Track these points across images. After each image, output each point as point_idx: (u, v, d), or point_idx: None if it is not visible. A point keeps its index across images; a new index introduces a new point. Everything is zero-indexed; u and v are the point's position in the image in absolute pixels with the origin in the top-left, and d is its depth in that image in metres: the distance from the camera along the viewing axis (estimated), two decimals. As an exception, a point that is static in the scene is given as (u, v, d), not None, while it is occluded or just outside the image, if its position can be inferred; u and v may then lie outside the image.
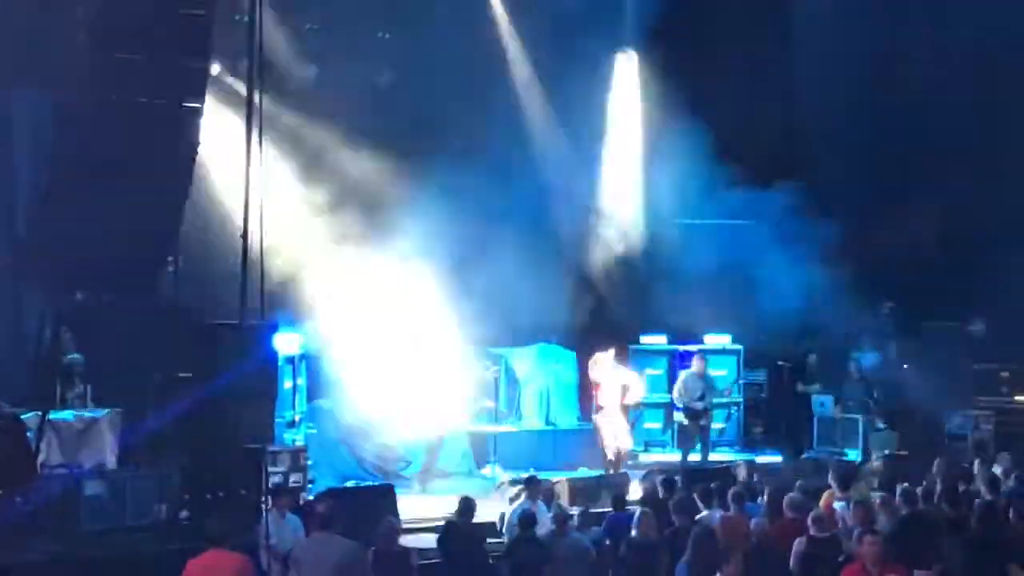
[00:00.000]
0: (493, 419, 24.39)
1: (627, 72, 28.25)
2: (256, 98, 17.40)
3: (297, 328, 21.91)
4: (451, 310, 23.16)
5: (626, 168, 28.09)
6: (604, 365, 23.44)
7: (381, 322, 22.59)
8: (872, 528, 14.87)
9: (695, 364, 24.74)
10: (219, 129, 21.08)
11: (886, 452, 24.30)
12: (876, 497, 17.30)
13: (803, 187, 26.75)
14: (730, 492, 16.58)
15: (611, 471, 22.61)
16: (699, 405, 24.27)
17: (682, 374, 25.04)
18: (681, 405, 24.56)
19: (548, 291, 24.53)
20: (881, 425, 25.54)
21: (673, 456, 25.54)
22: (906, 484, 16.82)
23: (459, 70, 24.78)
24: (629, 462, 23.95)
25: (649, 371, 26.67)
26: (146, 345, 19.61)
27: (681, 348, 26.86)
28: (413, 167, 24.01)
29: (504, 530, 17.41)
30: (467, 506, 16.51)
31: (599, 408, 23.40)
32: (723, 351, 26.54)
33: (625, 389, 23.54)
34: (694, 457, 24.36)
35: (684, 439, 24.90)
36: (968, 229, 28.16)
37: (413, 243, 22.92)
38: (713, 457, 24.80)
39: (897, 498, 16.28)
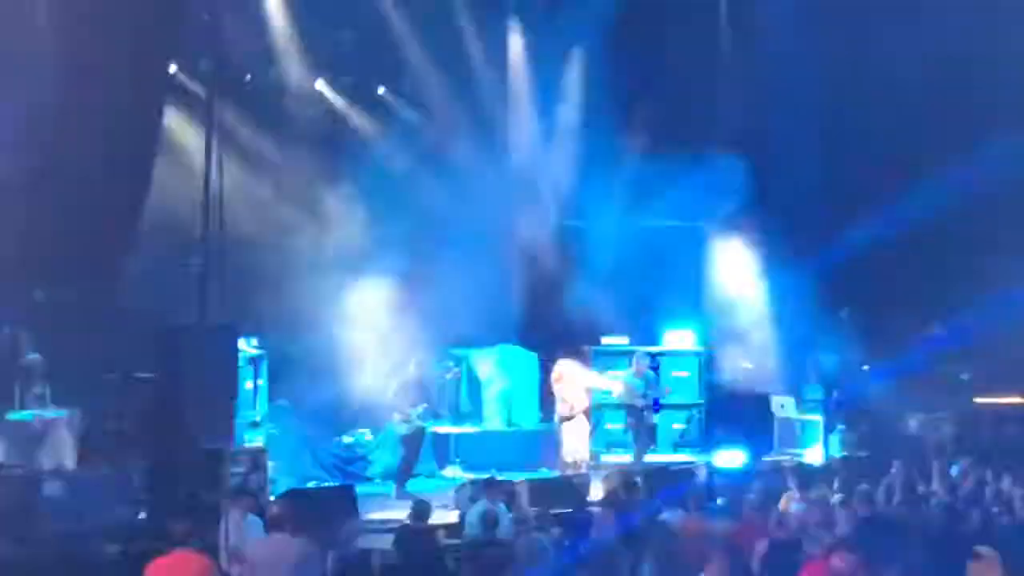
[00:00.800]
0: (455, 420, 24.40)
1: (578, 71, 28.21)
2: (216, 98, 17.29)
3: (258, 329, 21.86)
4: (411, 310, 23.13)
5: (577, 169, 28.01)
6: (566, 374, 23.44)
7: (340, 321, 22.55)
8: (834, 530, 14.98)
9: (634, 365, 24.74)
10: (180, 129, 21.03)
11: (846, 454, 24.41)
12: (835, 498, 17.39)
13: (764, 188, 26.85)
14: (690, 494, 16.58)
15: (568, 472, 22.64)
16: (640, 403, 24.34)
17: (620, 375, 25.07)
18: (624, 407, 24.68)
19: (510, 292, 24.55)
20: (841, 427, 25.63)
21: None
22: (865, 486, 16.87)
23: (417, 66, 24.80)
24: (591, 463, 23.99)
25: (611, 372, 26.72)
26: (106, 345, 19.53)
27: (643, 349, 26.93)
28: (372, 166, 24.04)
29: (465, 531, 17.40)
30: (422, 509, 16.51)
31: (563, 419, 23.37)
32: (685, 354, 26.55)
33: (589, 393, 23.61)
34: (655, 457, 24.43)
35: (635, 439, 24.97)
36: (929, 232, 28.28)
37: (372, 244, 22.90)
38: (674, 458, 24.86)
39: (856, 500, 16.32)
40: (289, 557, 13.26)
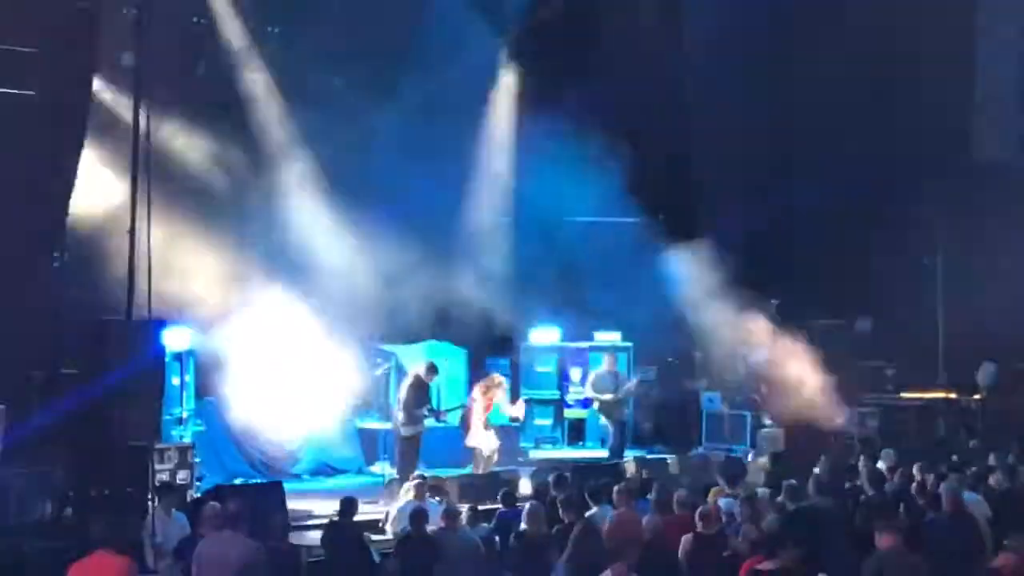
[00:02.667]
0: (383, 416, 24.30)
1: (509, 74, 28.24)
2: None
3: (185, 324, 21.70)
4: (338, 307, 23.04)
5: (509, 165, 28.01)
6: (492, 390, 23.42)
7: (265, 320, 22.43)
8: (761, 524, 15.06)
9: (605, 361, 25.05)
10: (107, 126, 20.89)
11: (773, 449, 24.55)
12: (763, 493, 17.47)
13: (689, 184, 26.99)
14: (616, 489, 16.59)
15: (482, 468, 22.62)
16: (609, 398, 24.43)
17: (592, 372, 25.26)
18: (596, 401, 24.86)
19: (438, 289, 24.50)
20: (768, 422, 25.76)
21: (563, 452, 25.72)
22: (792, 480, 16.95)
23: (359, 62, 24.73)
24: (520, 459, 24.02)
25: (539, 368, 26.82)
26: (30, 341, 19.33)
27: (571, 345, 27.02)
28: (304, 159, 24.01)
29: (392, 528, 17.36)
30: (348, 507, 16.47)
31: (479, 426, 23.19)
32: (613, 348, 26.61)
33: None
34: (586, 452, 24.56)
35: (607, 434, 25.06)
36: (854, 228, 28.53)
37: (301, 238, 22.85)
38: (601, 454, 24.94)
39: (783, 494, 16.40)
40: (235, 556, 13.18)
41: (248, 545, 13.33)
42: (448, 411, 23.02)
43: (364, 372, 24.00)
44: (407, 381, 22.26)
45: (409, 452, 21.84)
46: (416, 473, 19.43)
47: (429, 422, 22.25)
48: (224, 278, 22.37)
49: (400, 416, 22.02)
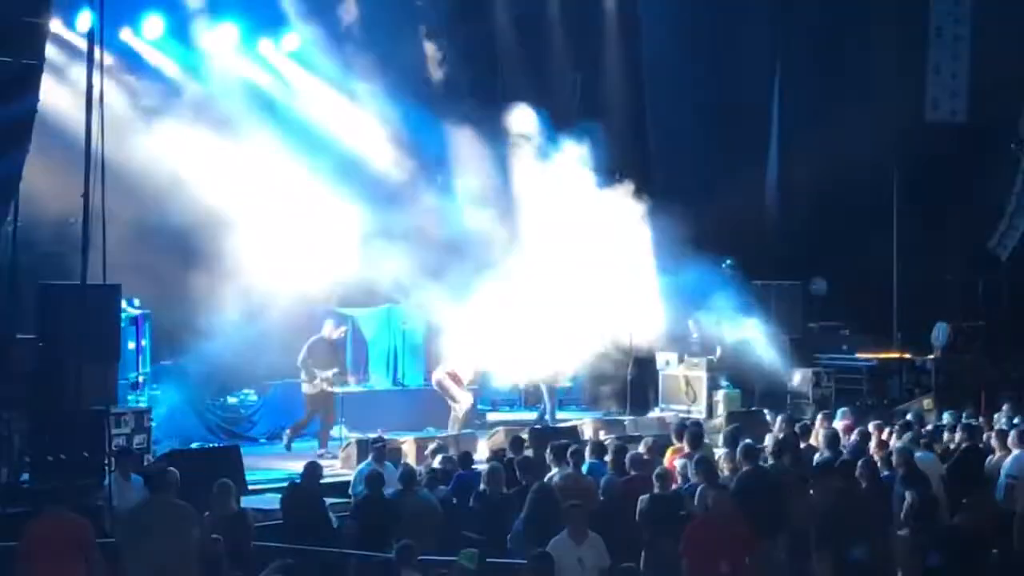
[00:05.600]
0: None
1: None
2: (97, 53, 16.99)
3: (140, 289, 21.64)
4: (298, 270, 22.98)
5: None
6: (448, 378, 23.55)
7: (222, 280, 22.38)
8: (717, 483, 15.15)
9: None
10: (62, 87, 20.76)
11: (729, 409, 24.67)
12: (719, 453, 17.57)
13: (646, 144, 27.10)
14: (569, 450, 16.65)
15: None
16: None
17: None
18: None
19: (399, 253, 24.40)
20: (724, 383, 25.87)
21: (521, 415, 25.76)
22: (748, 440, 17.04)
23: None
24: (476, 421, 24.09)
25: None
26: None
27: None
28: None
29: (351, 490, 17.40)
30: (312, 471, 16.48)
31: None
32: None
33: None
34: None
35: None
36: (810, 190, 28.72)
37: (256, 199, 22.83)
38: (560, 416, 25.01)
39: (739, 454, 16.49)
40: (168, 520, 13.19)
41: (178, 508, 13.36)
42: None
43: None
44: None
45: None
46: (375, 436, 19.44)
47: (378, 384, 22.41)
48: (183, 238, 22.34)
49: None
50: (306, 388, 22.73)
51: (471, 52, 27.28)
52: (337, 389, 22.86)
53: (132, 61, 23.52)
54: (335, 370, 22.87)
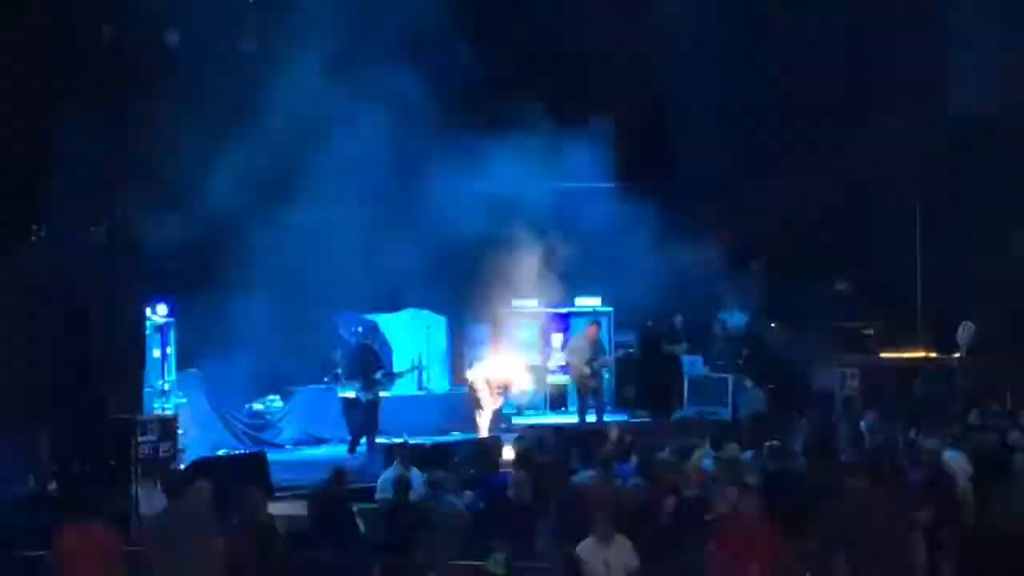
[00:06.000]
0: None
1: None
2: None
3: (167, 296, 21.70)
4: (324, 275, 23.02)
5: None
6: (483, 381, 23.53)
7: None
8: (744, 485, 15.11)
9: (590, 331, 24.97)
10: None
11: (755, 410, 24.61)
12: (745, 455, 17.53)
13: (673, 149, 27.02)
14: (599, 453, 16.64)
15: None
16: (586, 369, 24.46)
17: (572, 338, 25.28)
18: (570, 368, 24.92)
19: (420, 257, 24.42)
20: (749, 384, 25.82)
21: (546, 419, 25.73)
22: (774, 442, 16.99)
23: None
24: (502, 425, 24.08)
25: (521, 334, 26.80)
26: (11, 314, 19.27)
27: (552, 311, 27.00)
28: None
29: (377, 495, 17.41)
30: (339, 477, 16.49)
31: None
32: (594, 312, 26.58)
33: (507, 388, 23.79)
34: (590, 419, 24.55)
35: (580, 402, 25.10)
36: (837, 191, 28.62)
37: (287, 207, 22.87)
38: (588, 419, 25.00)
39: (765, 455, 16.44)
40: (193, 528, 13.21)
41: (201, 517, 13.37)
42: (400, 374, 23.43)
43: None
44: None
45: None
46: (399, 441, 19.45)
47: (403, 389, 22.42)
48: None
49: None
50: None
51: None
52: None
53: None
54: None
